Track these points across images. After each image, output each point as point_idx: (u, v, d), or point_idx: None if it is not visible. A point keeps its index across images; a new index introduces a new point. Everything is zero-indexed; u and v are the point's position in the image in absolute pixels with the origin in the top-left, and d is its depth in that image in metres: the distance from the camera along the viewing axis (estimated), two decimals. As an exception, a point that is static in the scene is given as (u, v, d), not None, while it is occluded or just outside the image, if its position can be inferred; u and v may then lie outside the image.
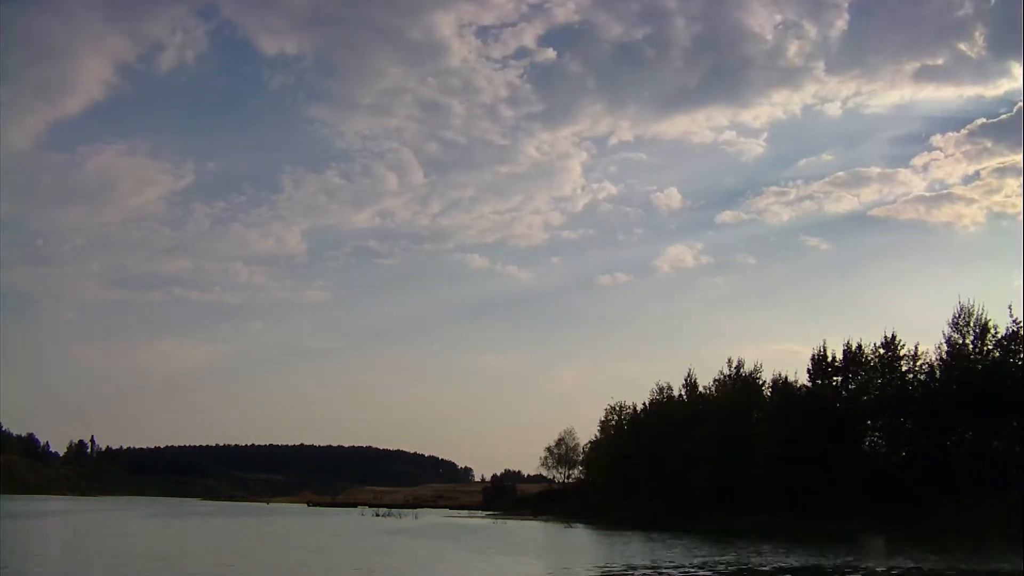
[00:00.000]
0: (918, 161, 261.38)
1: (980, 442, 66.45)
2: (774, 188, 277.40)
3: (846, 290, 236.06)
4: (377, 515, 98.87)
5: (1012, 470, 61.02)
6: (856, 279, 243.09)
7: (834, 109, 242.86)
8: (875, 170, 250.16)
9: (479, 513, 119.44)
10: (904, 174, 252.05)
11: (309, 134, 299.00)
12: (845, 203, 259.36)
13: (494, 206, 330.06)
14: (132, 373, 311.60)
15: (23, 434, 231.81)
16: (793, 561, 37.43)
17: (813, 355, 75.39)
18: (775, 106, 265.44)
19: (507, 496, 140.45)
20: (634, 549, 45.48)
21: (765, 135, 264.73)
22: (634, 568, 33.50)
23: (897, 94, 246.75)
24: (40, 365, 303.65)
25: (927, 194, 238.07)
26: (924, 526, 57.45)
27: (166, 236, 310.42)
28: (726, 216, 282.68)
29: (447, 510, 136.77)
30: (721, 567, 34.41)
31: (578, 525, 75.72)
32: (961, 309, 67.81)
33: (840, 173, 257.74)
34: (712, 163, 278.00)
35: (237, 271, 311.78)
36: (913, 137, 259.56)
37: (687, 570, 32.75)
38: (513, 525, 77.26)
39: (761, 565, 35.70)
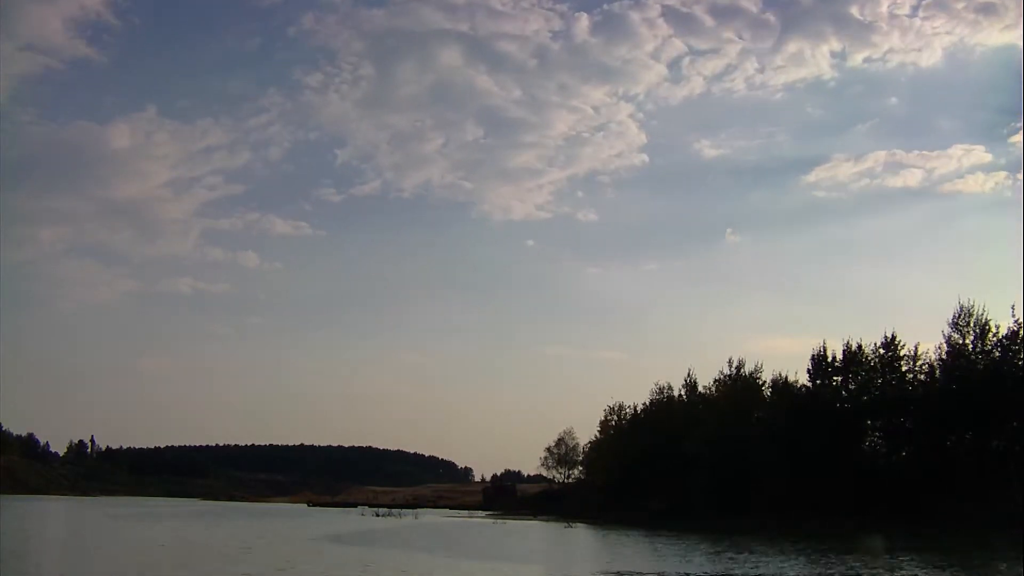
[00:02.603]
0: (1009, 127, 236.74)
1: (980, 442, 66.45)
2: (839, 155, 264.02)
3: (904, 275, 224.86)
4: (377, 515, 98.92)
5: (1012, 470, 60.93)
6: (914, 262, 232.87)
7: (927, 60, 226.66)
8: (955, 141, 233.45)
9: (479, 513, 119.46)
10: (986, 145, 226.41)
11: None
12: (912, 177, 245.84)
13: (533, 181, 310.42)
14: (132, 372, 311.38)
15: (23, 434, 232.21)
16: (796, 563, 37.37)
17: (813, 355, 75.41)
18: (859, 56, 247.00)
19: (507, 496, 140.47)
20: (636, 552, 45.42)
21: (846, 90, 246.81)
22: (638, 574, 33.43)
23: (1007, 37, 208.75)
24: (40, 365, 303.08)
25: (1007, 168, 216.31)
26: (924, 526, 57.38)
27: (168, 219, 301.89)
28: (779, 190, 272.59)
29: (447, 510, 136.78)
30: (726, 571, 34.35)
31: (578, 525, 75.72)
32: (961, 309, 67.89)
33: (911, 152, 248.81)
34: (777, 124, 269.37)
35: (247, 259, 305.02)
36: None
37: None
38: (513, 525, 77.28)
39: (764, 569, 35.65)
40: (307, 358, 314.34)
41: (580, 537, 61.20)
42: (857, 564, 36.58)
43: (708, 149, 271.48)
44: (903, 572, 33.50)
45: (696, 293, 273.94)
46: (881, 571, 33.97)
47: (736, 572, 33.74)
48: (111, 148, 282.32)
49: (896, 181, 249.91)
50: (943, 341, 68.88)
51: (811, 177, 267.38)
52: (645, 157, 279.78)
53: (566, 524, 78.07)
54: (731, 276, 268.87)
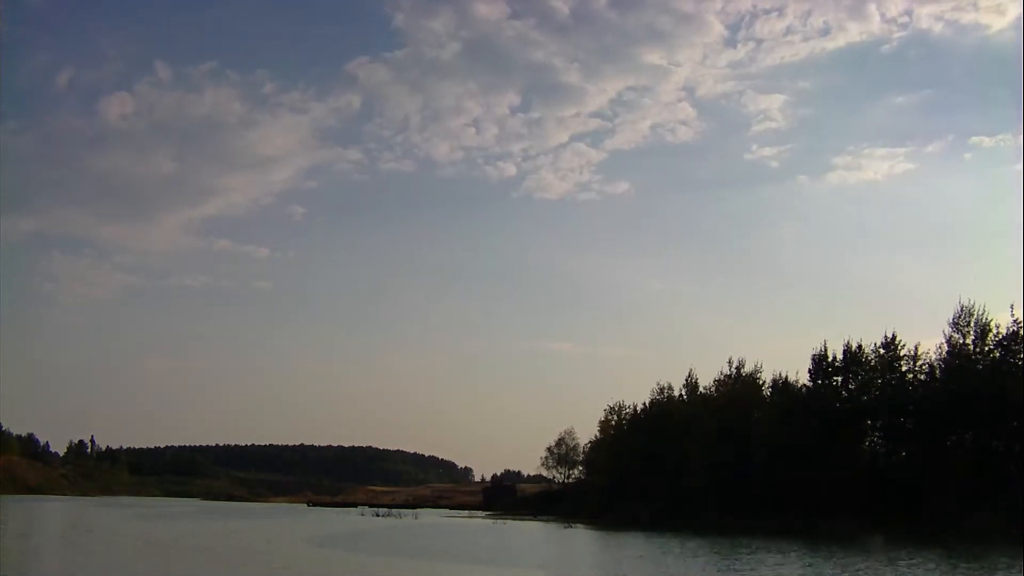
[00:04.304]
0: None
1: (980, 442, 66.44)
2: (884, 139, 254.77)
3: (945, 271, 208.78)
4: (377, 515, 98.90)
5: (1012, 470, 60.91)
6: (953, 257, 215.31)
7: (999, 21, 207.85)
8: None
9: (479, 513, 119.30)
10: None
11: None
12: (959, 164, 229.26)
13: (573, 159, 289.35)
14: (132, 372, 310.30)
15: (23, 434, 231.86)
16: (796, 563, 37.34)
17: (813, 355, 75.46)
18: (923, 11, 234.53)
19: (507, 496, 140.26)
20: (636, 553, 45.38)
21: (905, 54, 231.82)
22: None
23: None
24: (40, 365, 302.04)
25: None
26: (924, 526, 57.40)
27: (171, 206, 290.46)
28: (821, 174, 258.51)
29: (447, 510, 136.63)
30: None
31: (578, 526, 75.65)
32: (962, 309, 67.93)
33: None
34: (828, 97, 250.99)
35: (253, 252, 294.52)
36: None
37: None
38: (513, 526, 77.21)
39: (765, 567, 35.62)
40: (308, 357, 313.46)
41: (580, 538, 61.16)
42: (858, 564, 36.56)
43: (756, 124, 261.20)
44: (903, 572, 33.46)
45: (727, 288, 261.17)
46: (881, 571, 33.94)
47: (737, 573, 33.73)
48: (108, 120, 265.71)
49: (942, 168, 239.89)
50: (943, 341, 69.10)
51: (853, 160, 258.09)
52: (691, 132, 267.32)
53: (566, 524, 78.00)
54: (766, 271, 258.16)
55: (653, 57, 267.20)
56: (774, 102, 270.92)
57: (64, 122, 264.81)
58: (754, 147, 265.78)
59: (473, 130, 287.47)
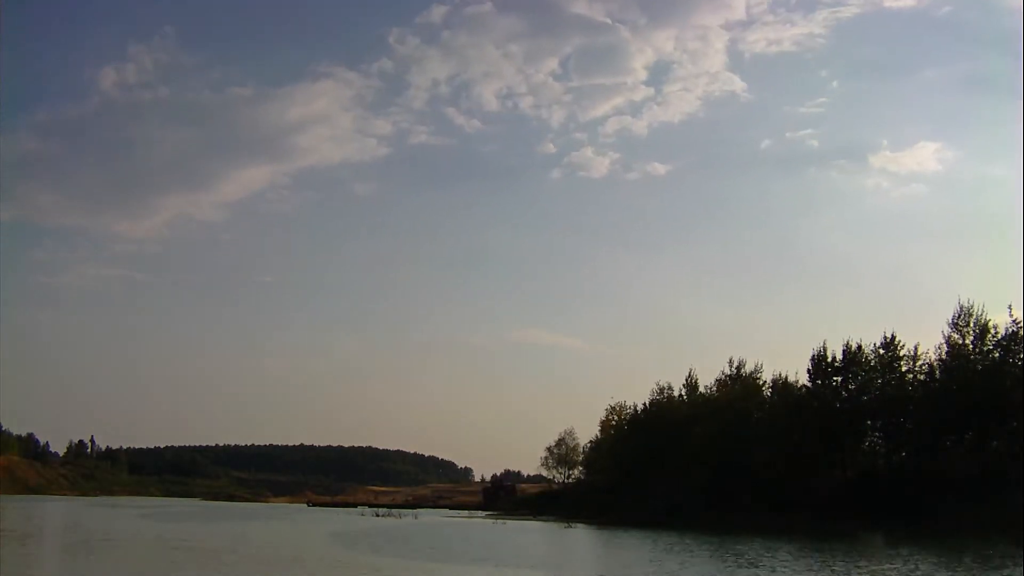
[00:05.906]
0: None
1: (980, 442, 66.46)
2: (919, 127, 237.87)
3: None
4: (377, 515, 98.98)
5: (1012, 470, 60.90)
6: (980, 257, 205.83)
7: None
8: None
9: (479, 513, 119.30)
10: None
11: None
12: (996, 156, 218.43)
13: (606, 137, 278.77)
14: (133, 372, 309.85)
15: (23, 434, 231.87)
16: (796, 563, 37.34)
17: (813, 355, 75.50)
18: None
19: (507, 496, 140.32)
20: (635, 553, 45.40)
21: (958, 17, 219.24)
22: None
23: None
24: (40, 365, 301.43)
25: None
26: (924, 526, 57.42)
27: (171, 192, 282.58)
28: (859, 166, 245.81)
29: (447, 510, 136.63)
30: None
31: (578, 526, 75.67)
32: (961, 309, 68.00)
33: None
34: (875, 75, 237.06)
35: (253, 244, 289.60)
36: None
37: None
38: (513, 526, 77.25)
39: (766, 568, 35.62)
40: (309, 357, 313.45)
41: (580, 538, 61.20)
42: (858, 564, 36.57)
43: (805, 98, 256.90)
44: (903, 571, 33.47)
45: (744, 284, 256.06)
46: (882, 571, 33.96)
47: (737, 573, 33.75)
48: (105, 92, 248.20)
49: (990, 156, 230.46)
50: (943, 341, 69.14)
51: (895, 144, 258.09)
52: (738, 104, 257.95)
53: (566, 524, 78.02)
54: (792, 265, 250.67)
55: (703, 17, 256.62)
56: (825, 70, 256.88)
57: (56, 97, 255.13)
58: (797, 126, 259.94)
59: (511, 102, 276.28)
